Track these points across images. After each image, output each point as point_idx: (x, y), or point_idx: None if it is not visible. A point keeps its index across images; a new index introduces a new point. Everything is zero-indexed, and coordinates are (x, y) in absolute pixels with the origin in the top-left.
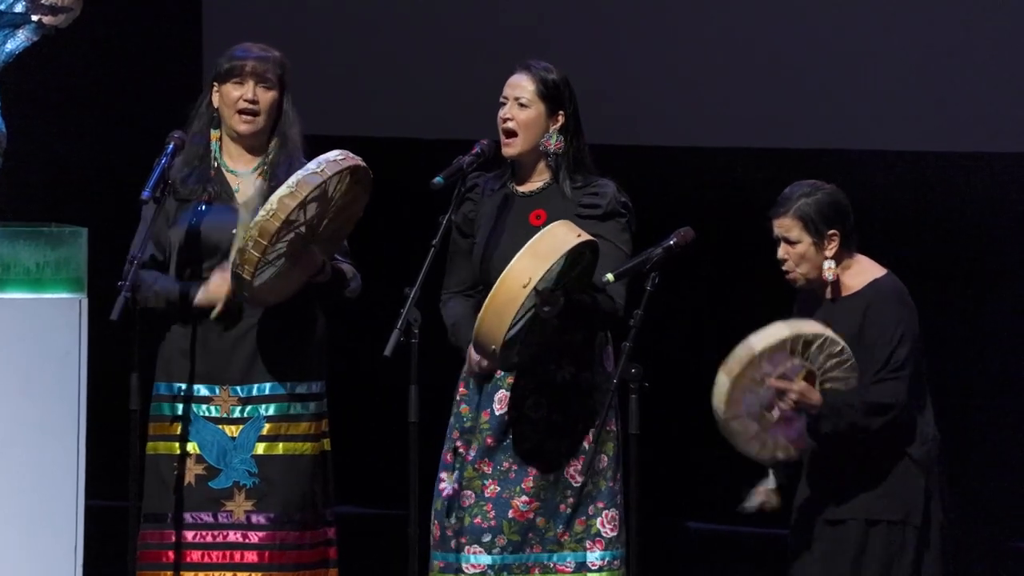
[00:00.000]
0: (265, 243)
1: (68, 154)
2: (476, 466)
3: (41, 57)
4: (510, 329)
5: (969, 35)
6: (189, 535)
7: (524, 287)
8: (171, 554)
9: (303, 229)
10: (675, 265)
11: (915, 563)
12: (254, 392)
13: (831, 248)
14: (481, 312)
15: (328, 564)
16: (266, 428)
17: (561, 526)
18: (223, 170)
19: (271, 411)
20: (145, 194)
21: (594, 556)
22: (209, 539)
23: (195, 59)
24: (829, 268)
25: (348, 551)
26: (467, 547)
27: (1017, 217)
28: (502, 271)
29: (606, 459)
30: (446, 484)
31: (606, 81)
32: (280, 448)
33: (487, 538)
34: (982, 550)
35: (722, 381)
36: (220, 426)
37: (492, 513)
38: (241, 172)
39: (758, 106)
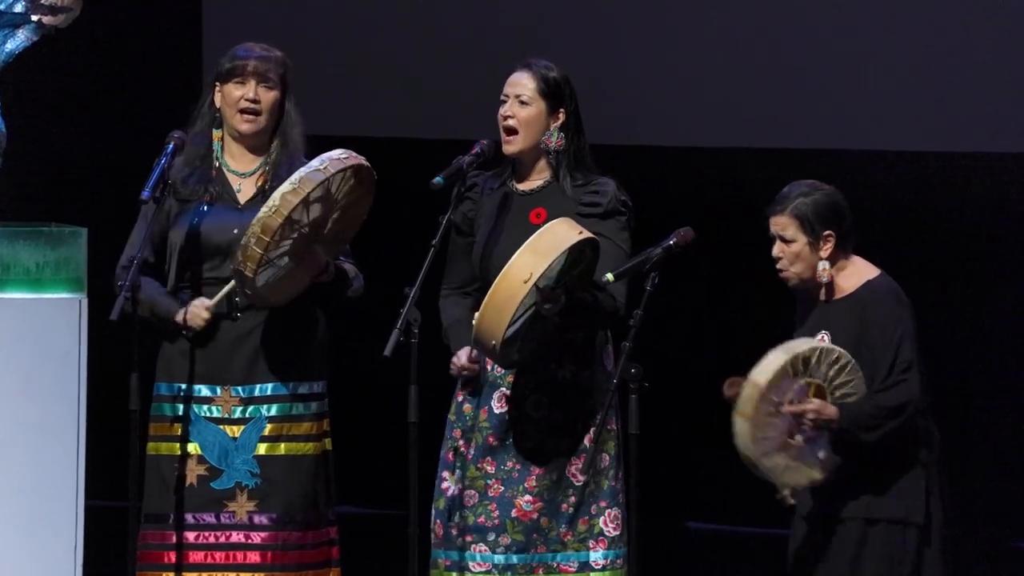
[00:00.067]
0: (268, 239)
1: (68, 154)
2: (478, 465)
3: (41, 57)
4: (510, 326)
5: (969, 35)
6: (191, 536)
7: (525, 283)
8: (173, 555)
9: (307, 229)
10: (675, 265)
11: (915, 563)
12: (256, 392)
13: (826, 249)
14: (481, 308)
15: (331, 564)
16: (268, 428)
17: (564, 526)
18: (224, 170)
19: (273, 411)
20: (145, 194)
21: (597, 555)
22: (212, 540)
23: (195, 59)
24: (823, 269)
25: (348, 551)
26: (472, 545)
27: (1017, 217)
28: (502, 269)
29: (608, 458)
30: (448, 483)
31: (606, 81)
32: (282, 448)
33: (491, 537)
34: (982, 550)
35: (740, 425)
36: (221, 426)
37: (496, 513)
38: (243, 172)
39: (758, 106)
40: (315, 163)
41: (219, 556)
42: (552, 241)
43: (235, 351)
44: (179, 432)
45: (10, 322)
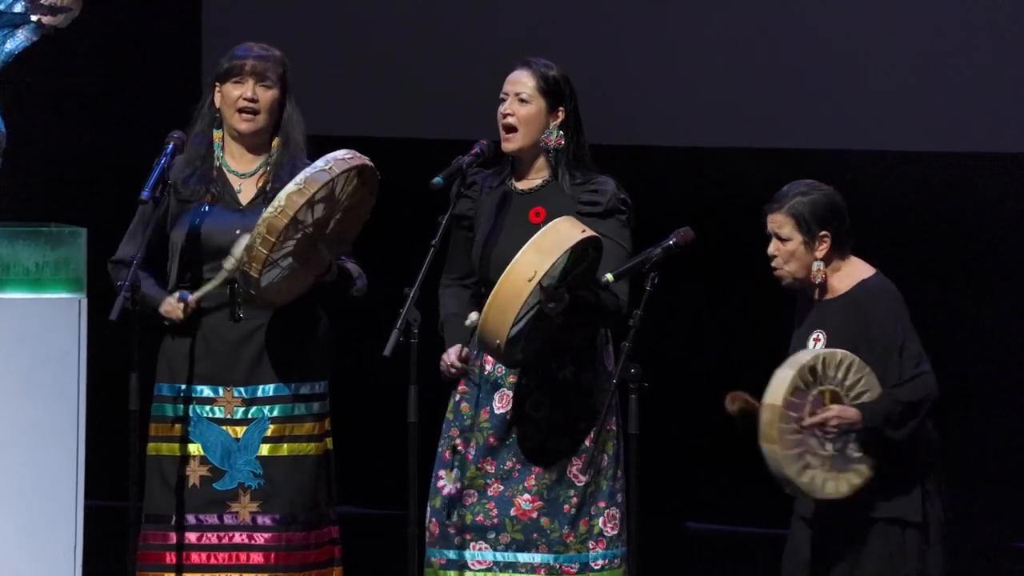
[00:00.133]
0: (273, 240)
1: (68, 154)
2: (479, 465)
3: (41, 57)
4: (514, 325)
5: (969, 35)
6: (193, 536)
7: (529, 281)
8: (173, 555)
9: (310, 229)
10: (675, 265)
11: (914, 562)
12: (258, 393)
13: (821, 249)
14: (485, 308)
15: (333, 563)
16: (270, 429)
17: (566, 527)
18: (225, 171)
19: (275, 412)
20: (144, 194)
21: (596, 555)
22: (214, 540)
23: (195, 59)
24: (818, 269)
25: (348, 551)
26: (472, 544)
27: (1017, 217)
28: (502, 268)
29: (606, 458)
30: (445, 482)
31: (606, 81)
32: (285, 449)
33: (491, 535)
34: (982, 550)
35: (769, 451)
36: (224, 427)
37: (495, 512)
38: (243, 173)
39: (758, 106)
40: (320, 163)
41: (221, 557)
42: (556, 240)
43: (238, 352)
44: (181, 433)
45: (10, 322)
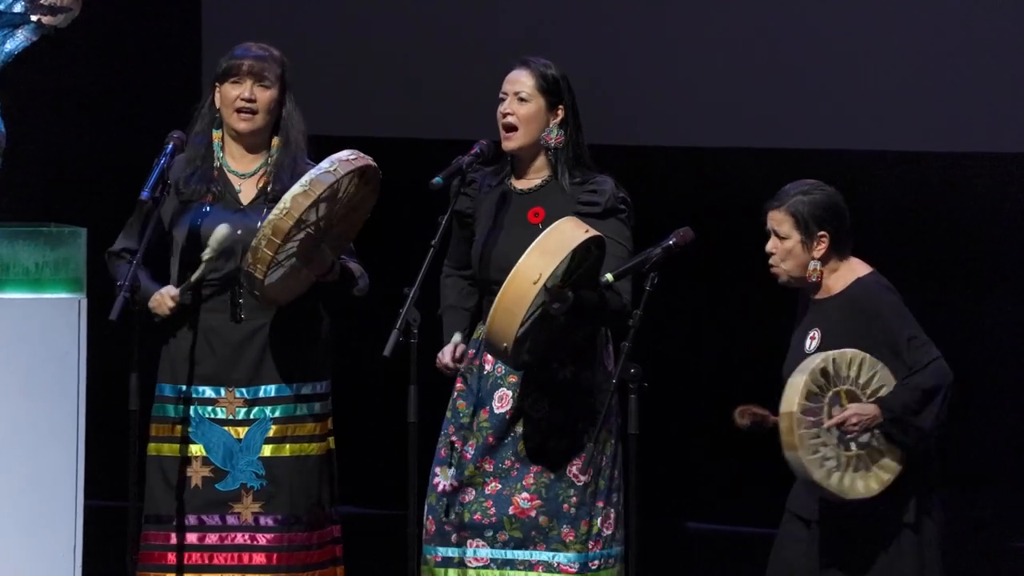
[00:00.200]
0: (278, 242)
1: (68, 154)
2: (478, 464)
3: (41, 57)
4: (520, 327)
5: (969, 35)
6: (194, 537)
7: (535, 283)
8: (174, 556)
9: (313, 229)
10: (675, 265)
11: (913, 562)
12: (260, 394)
13: (819, 249)
14: (491, 311)
15: (335, 562)
16: (272, 430)
17: (566, 526)
18: (225, 171)
19: (277, 413)
20: (144, 194)
21: (593, 555)
22: (215, 541)
23: (195, 59)
24: (814, 269)
25: (348, 551)
26: (470, 541)
27: (1017, 217)
28: (500, 268)
29: (605, 458)
30: (441, 479)
31: (606, 81)
32: (287, 450)
33: (489, 533)
34: (982, 550)
35: (793, 459)
36: (226, 428)
37: (492, 510)
38: (243, 173)
39: (758, 106)
40: (325, 164)
41: (222, 557)
42: (560, 241)
43: (240, 352)
44: (183, 433)
45: (10, 322)
